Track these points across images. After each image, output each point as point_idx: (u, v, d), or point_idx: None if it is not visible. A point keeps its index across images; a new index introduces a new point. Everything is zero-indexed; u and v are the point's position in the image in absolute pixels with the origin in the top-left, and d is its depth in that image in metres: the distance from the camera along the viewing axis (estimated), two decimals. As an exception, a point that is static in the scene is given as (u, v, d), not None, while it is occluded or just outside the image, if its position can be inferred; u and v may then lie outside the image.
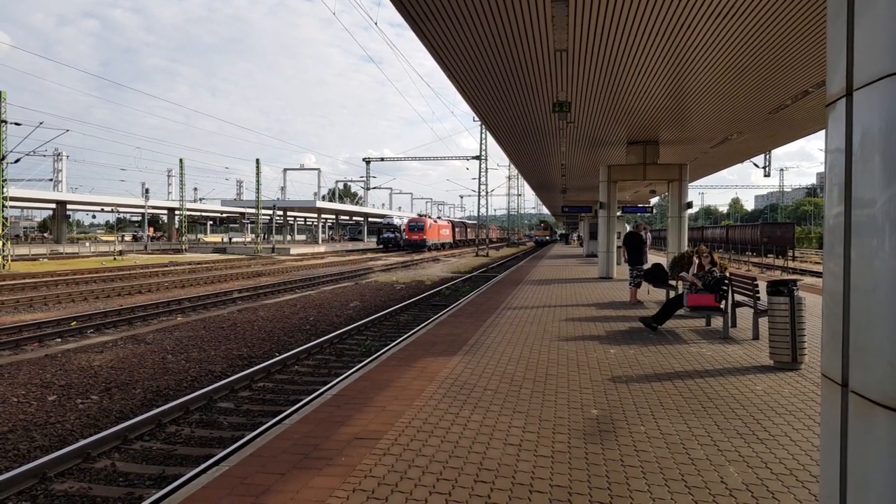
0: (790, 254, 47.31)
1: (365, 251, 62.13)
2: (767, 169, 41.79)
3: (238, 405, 8.26)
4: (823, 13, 8.11)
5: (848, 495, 1.98)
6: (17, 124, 32.57)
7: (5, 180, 32.48)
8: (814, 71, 10.99)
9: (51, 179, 75.58)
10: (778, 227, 53.30)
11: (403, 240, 64.45)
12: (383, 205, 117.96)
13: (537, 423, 5.33)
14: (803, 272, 31.96)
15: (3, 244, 31.17)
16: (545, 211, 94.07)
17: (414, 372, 7.31)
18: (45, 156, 59.44)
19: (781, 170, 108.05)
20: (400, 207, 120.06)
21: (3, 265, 30.43)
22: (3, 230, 32.10)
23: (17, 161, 34.38)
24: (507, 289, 17.90)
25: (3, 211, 32.49)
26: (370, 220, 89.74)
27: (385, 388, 6.61)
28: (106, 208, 75.89)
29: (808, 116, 15.24)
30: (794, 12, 8.26)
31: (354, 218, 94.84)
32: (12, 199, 40.58)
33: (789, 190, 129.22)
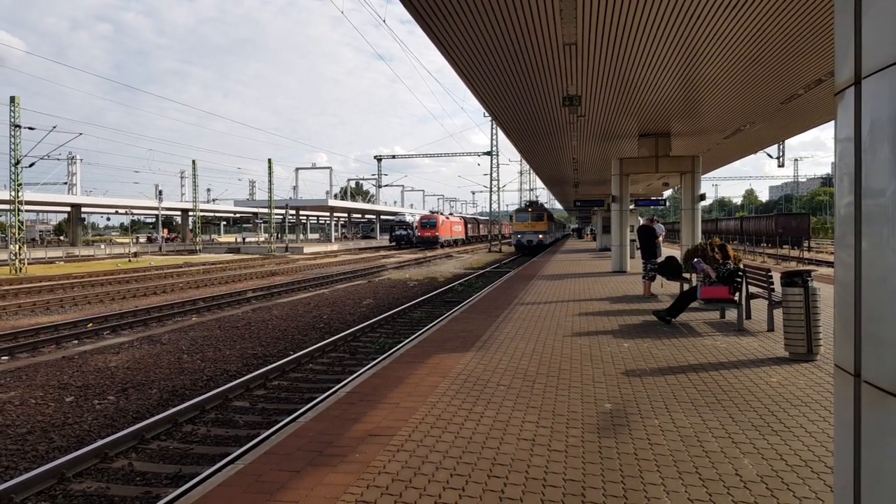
0: (806, 244, 46.88)
1: (378, 249, 62.26)
2: (781, 159, 41.47)
3: (253, 404, 8.32)
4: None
5: (862, 485, 1.96)
6: (30, 129, 32.93)
7: (20, 184, 32.84)
8: (826, 59, 10.87)
9: (65, 183, 76.25)
10: (793, 217, 52.77)
11: (416, 237, 64.53)
12: (395, 202, 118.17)
13: (551, 418, 5.33)
14: (819, 263, 31.65)
15: (20, 248, 31.52)
16: (558, 206, 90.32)
17: (427, 368, 7.33)
18: (59, 159, 59.95)
19: (796, 160, 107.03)
20: (412, 204, 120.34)
21: (20, 269, 30.78)
22: (19, 234, 32.46)
23: (31, 165, 34.73)
24: (520, 284, 17.88)
25: (18, 215, 32.86)
26: (382, 217, 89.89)
27: (398, 384, 6.63)
28: (120, 210, 76.50)
29: (821, 105, 15.09)
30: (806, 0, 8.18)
31: (367, 216, 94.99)
32: (28, 202, 41.09)
33: (804, 180, 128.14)
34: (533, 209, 49.95)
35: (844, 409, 2.04)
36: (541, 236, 47.70)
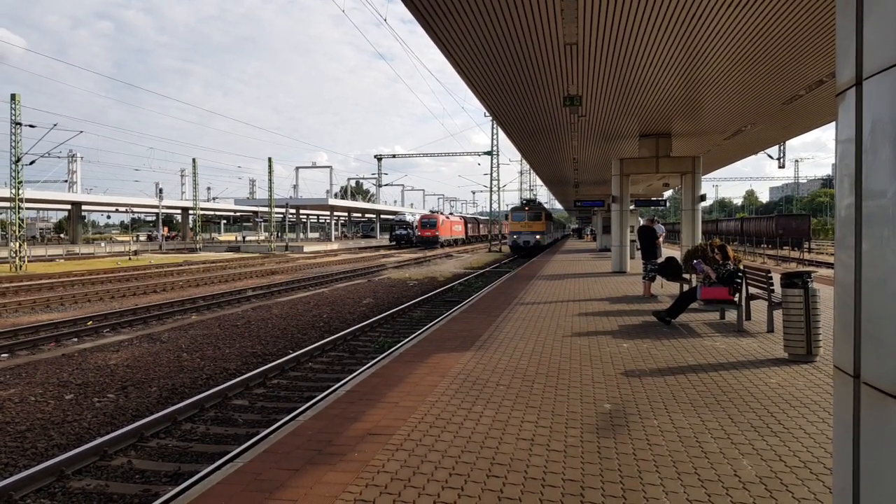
0: (806, 246, 46.86)
1: (378, 248, 62.24)
2: (782, 160, 41.52)
3: (252, 402, 8.32)
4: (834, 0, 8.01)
5: (861, 487, 1.96)
6: (31, 126, 32.89)
7: (21, 182, 32.83)
8: (828, 60, 10.87)
9: (66, 181, 76.20)
10: (793, 218, 52.68)
11: (416, 236, 64.49)
12: (395, 201, 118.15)
13: (550, 418, 5.32)
14: (819, 264, 31.64)
15: (20, 245, 31.52)
16: (558, 206, 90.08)
17: (426, 368, 7.33)
18: (59, 157, 59.88)
19: (796, 161, 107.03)
20: (412, 204, 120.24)
21: (20, 266, 30.78)
22: (19, 232, 32.46)
23: (32, 163, 34.74)
24: (520, 284, 17.88)
25: (19, 212, 32.85)
26: (382, 216, 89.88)
27: (398, 383, 6.63)
28: (120, 209, 76.36)
29: (822, 106, 15.08)
30: (807, 0, 8.17)
31: (367, 215, 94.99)
32: (28, 200, 41.04)
33: (804, 181, 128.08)
34: (530, 208, 46.71)
35: (844, 410, 2.04)
36: (538, 237, 44.45)
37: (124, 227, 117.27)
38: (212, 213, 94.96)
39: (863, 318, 1.93)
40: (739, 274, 9.84)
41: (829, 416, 5.24)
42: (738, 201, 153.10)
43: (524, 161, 58.26)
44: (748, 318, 10.28)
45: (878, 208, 1.84)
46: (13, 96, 32.25)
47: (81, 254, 48.62)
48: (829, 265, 30.01)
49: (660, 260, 14.23)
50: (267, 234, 63.39)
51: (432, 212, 73.68)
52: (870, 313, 1.89)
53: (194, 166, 60.54)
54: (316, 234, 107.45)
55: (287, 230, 73.45)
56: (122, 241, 65.58)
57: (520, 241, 44.49)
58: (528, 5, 8.23)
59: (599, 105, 14.66)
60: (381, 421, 5.34)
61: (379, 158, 69.51)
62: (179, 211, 79.26)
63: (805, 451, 4.48)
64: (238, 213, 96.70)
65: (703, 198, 21.14)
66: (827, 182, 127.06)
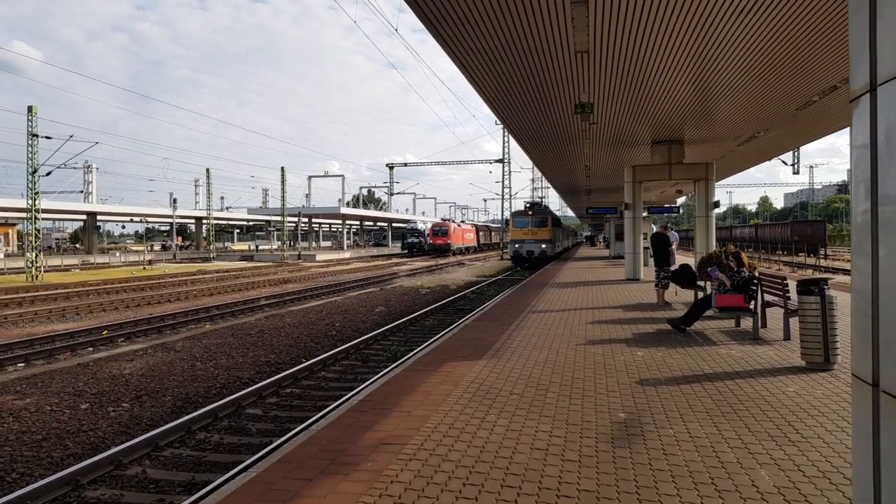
0: (822, 252, 46.40)
1: (390, 256, 62.35)
2: (796, 166, 41.19)
3: (266, 411, 8.34)
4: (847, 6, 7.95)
5: (883, 498, 1.94)
6: (48, 138, 33.28)
7: (37, 193, 33.21)
8: (841, 65, 10.79)
9: (81, 191, 77.17)
10: (808, 224, 52.30)
11: (428, 244, 64.46)
12: (407, 210, 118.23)
13: (564, 427, 5.29)
14: (835, 271, 31.31)
15: (37, 255, 31.85)
16: (570, 213, 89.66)
17: (439, 376, 7.31)
18: (75, 168, 60.63)
19: (811, 167, 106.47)
20: (423, 212, 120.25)
21: (37, 276, 31.10)
22: (36, 242, 32.82)
23: (48, 174, 35.13)
24: (533, 292, 17.83)
25: (35, 223, 33.23)
26: (394, 225, 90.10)
27: (411, 392, 6.62)
28: (135, 218, 77.12)
29: (836, 112, 14.96)
30: (820, 6, 8.12)
31: (378, 223, 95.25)
32: (44, 211, 41.46)
33: (819, 187, 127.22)
34: (534, 212, 40.07)
35: (863, 418, 2.02)
36: (544, 246, 37.94)
37: (139, 237, 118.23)
38: (225, 222, 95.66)
39: (881, 326, 1.91)
40: (755, 281, 9.75)
41: (848, 425, 5.17)
42: (753, 208, 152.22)
43: (536, 169, 58.14)
44: (764, 325, 10.19)
45: (895, 214, 1.82)
46: (30, 108, 32.68)
47: (96, 263, 49.06)
48: (846, 272, 29.69)
49: (673, 267, 14.15)
50: (280, 242, 63.70)
51: (444, 220, 73.82)
52: (888, 320, 1.87)
53: (208, 176, 61.11)
54: (328, 243, 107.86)
55: (300, 239, 73.76)
56: (137, 251, 66.18)
57: (522, 251, 38.30)
58: (538, 14, 8.24)
59: (611, 112, 14.62)
60: (394, 430, 5.33)
61: (391, 167, 69.79)
62: (193, 220, 79.92)
63: (824, 461, 4.42)
64: (251, 223, 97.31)
65: (716, 204, 21.03)
66: (842, 188, 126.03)
